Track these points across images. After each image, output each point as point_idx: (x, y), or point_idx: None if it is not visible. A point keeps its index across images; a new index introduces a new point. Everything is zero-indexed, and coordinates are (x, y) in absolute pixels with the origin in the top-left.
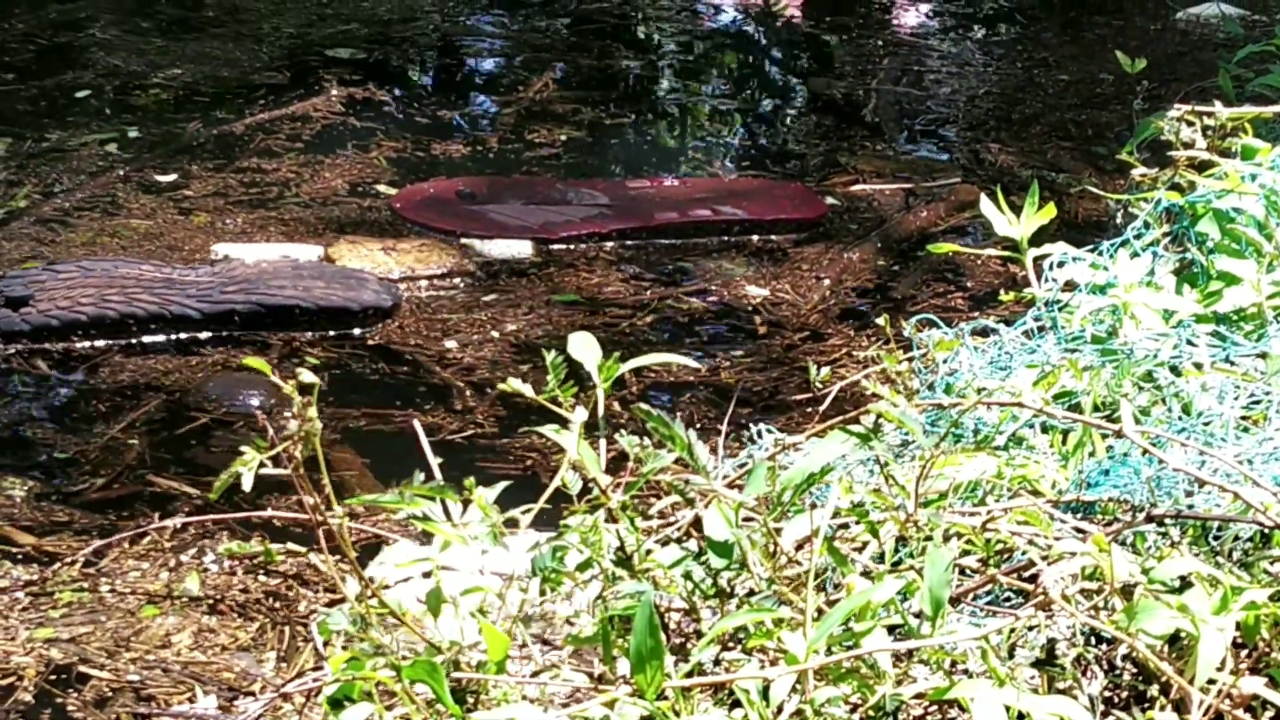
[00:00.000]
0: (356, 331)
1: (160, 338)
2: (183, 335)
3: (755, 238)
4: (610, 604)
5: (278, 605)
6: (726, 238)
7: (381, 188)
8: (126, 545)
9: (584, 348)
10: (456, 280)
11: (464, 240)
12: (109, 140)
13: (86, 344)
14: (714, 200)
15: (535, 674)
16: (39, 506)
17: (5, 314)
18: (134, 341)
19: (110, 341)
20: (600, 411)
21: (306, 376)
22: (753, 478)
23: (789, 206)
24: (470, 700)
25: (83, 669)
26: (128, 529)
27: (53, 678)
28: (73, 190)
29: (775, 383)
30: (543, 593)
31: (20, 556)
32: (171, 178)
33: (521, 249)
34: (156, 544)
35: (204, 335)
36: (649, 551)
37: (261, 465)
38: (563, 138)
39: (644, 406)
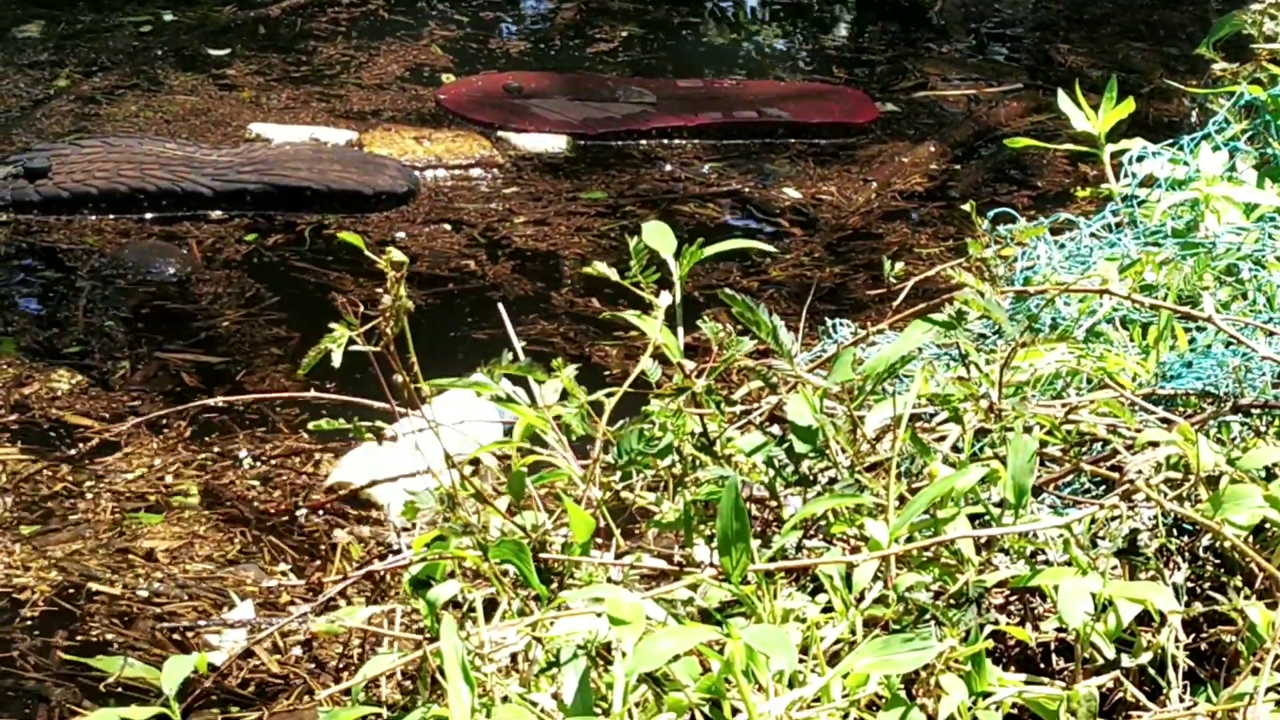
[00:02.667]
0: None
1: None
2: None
3: (799, 140)
4: (692, 490)
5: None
6: (771, 140)
7: (447, 77)
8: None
9: (659, 236)
10: (482, 171)
11: (500, 133)
12: (144, 22)
13: (95, 217)
14: (763, 102)
15: (619, 556)
16: (91, 396)
17: (20, 184)
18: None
19: (117, 216)
20: (678, 299)
21: (397, 255)
22: (837, 364)
23: (838, 111)
24: (554, 582)
25: (92, 585)
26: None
27: (69, 592)
28: (113, 68)
29: (839, 279)
30: (626, 476)
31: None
32: (224, 52)
33: (556, 144)
34: (166, 441)
35: (215, 213)
36: (730, 438)
37: (351, 342)
38: (624, 34)
39: (729, 291)
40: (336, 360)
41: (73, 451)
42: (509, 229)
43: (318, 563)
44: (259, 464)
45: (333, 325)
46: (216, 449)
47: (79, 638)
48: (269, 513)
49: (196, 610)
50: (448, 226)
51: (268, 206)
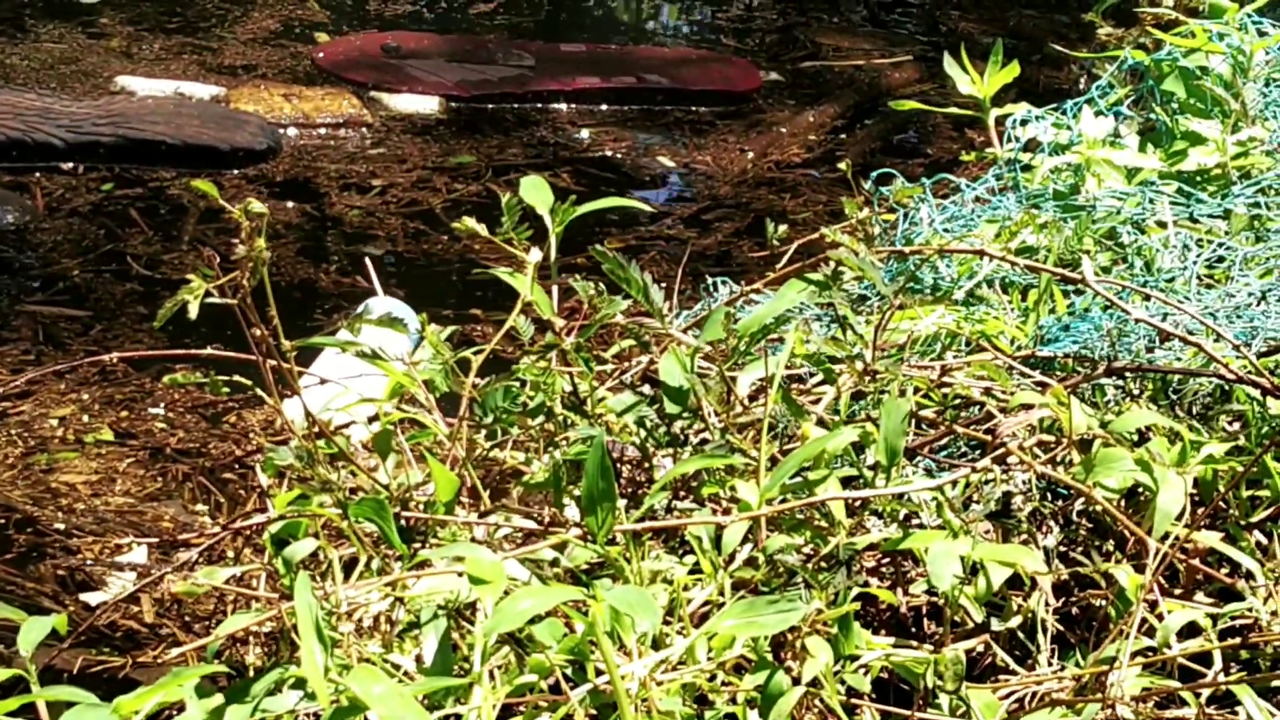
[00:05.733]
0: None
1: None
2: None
3: (678, 108)
4: (562, 449)
5: (197, 455)
6: (650, 107)
7: (320, 36)
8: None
9: (536, 192)
10: (350, 131)
11: (373, 93)
12: None
13: None
14: (644, 68)
15: (483, 515)
16: None
17: None
18: None
19: None
20: (553, 256)
21: (255, 206)
22: (709, 323)
23: (719, 79)
24: (418, 541)
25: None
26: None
27: None
28: None
29: (721, 246)
30: (492, 435)
31: None
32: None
33: (428, 105)
34: (66, 385)
35: (67, 166)
36: (601, 398)
37: (207, 294)
38: None
39: (598, 247)
40: (193, 312)
41: None
42: (343, 198)
43: (237, 505)
44: (168, 411)
45: (190, 276)
46: (121, 399)
47: None
48: (198, 453)
49: (105, 546)
50: (290, 204)
51: (122, 160)
